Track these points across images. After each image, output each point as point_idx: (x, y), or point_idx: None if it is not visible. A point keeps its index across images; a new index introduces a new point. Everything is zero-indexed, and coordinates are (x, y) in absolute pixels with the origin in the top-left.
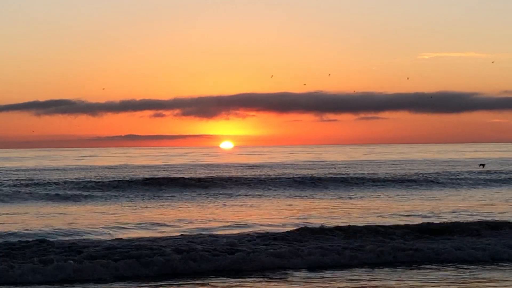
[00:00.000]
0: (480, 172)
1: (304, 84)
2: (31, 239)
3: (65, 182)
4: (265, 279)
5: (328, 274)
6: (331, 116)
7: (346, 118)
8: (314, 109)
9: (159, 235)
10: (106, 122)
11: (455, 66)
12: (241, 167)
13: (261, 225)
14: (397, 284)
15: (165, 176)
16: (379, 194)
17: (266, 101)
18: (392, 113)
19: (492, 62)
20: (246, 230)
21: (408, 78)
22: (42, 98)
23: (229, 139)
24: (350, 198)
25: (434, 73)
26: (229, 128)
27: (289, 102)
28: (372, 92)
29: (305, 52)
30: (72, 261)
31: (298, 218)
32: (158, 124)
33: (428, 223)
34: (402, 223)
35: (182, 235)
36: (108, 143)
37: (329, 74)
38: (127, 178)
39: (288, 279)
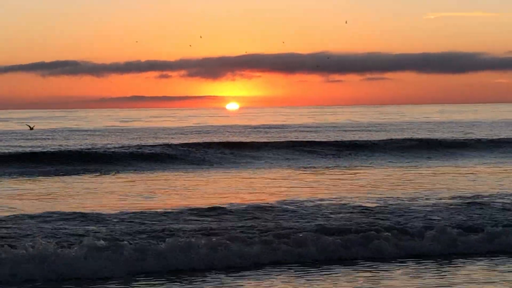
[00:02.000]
0: None
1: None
2: None
3: None
4: None
5: None
6: (336, 77)
7: (352, 78)
8: (321, 69)
9: None
10: (111, 83)
11: (461, 26)
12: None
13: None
14: None
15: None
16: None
17: (272, 62)
18: (397, 73)
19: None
20: None
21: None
22: (47, 59)
23: (235, 100)
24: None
25: (440, 33)
26: (235, 89)
27: (295, 63)
28: (378, 53)
29: (311, 13)
30: None
31: None
32: (164, 85)
33: None
34: None
35: None
36: (113, 104)
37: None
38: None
39: None
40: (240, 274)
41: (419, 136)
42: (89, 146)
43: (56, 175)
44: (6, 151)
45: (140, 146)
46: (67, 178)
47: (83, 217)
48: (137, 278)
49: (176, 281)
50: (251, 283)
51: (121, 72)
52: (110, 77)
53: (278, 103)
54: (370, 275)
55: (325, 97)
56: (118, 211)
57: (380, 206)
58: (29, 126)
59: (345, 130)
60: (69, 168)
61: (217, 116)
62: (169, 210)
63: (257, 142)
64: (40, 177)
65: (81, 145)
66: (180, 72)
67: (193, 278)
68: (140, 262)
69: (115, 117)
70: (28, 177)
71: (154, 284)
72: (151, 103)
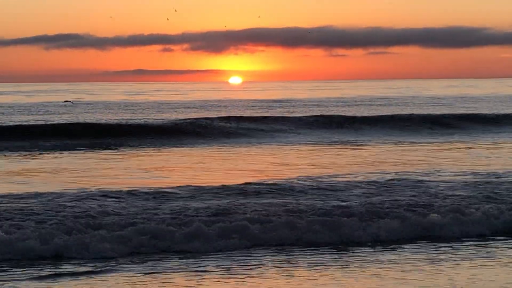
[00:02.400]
0: None
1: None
2: None
3: None
4: None
5: None
6: (340, 51)
7: (355, 53)
8: (324, 44)
9: None
10: (115, 56)
11: (465, 1)
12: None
13: None
14: None
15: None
16: None
17: (275, 36)
18: (401, 48)
19: None
20: None
21: None
22: (51, 32)
23: (238, 74)
24: None
25: (444, 7)
26: (238, 63)
27: (298, 37)
28: (382, 27)
29: None
30: None
31: None
32: (167, 59)
33: None
34: None
35: None
36: (117, 77)
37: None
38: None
39: None
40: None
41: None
42: (143, 120)
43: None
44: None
45: (169, 120)
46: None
47: (147, 193)
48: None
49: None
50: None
51: (124, 46)
52: (113, 50)
53: (281, 77)
54: None
55: (328, 72)
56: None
57: None
58: (68, 101)
59: (374, 104)
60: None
61: (231, 90)
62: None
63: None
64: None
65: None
66: (182, 46)
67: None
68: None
69: (130, 90)
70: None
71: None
72: (154, 77)
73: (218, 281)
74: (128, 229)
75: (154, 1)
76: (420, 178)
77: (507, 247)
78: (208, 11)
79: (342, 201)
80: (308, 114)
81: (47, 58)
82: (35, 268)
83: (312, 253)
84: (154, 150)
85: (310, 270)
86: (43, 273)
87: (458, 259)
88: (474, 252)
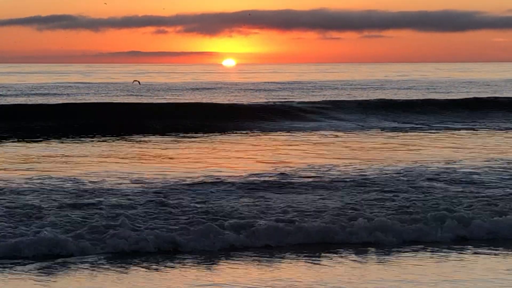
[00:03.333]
0: None
1: (105, 4)
2: None
3: None
4: None
5: None
6: (334, 34)
7: (350, 36)
8: (318, 26)
9: None
10: (109, 38)
11: None
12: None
13: None
14: None
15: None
16: None
17: (269, 19)
18: (396, 31)
19: None
20: None
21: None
22: (44, 13)
23: (232, 56)
24: None
25: None
26: (232, 45)
27: (293, 20)
28: (375, 10)
29: None
30: None
31: None
32: (161, 41)
33: None
34: None
35: None
36: (111, 59)
37: None
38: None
39: None
40: None
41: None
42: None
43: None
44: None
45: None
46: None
47: None
48: None
49: None
50: None
51: (118, 27)
52: (107, 31)
53: (275, 60)
54: None
55: (322, 55)
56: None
57: None
58: (137, 81)
59: (410, 88)
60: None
61: (238, 73)
62: None
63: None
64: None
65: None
66: (176, 28)
67: None
68: None
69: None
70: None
71: None
72: (148, 59)
73: None
74: None
75: None
76: None
77: None
78: None
79: None
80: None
81: (40, 39)
82: None
83: None
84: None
85: None
86: None
87: None
88: None
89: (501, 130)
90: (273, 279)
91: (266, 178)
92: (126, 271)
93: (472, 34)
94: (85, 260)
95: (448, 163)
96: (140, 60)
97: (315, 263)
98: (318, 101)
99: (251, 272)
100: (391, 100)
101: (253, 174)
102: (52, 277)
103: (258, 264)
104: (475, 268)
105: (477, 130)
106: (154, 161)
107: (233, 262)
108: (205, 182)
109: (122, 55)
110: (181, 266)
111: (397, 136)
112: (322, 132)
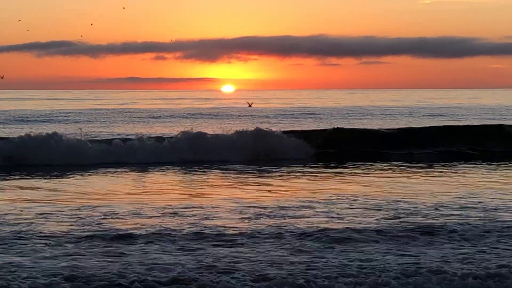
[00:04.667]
0: None
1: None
2: None
3: None
4: None
5: None
6: (333, 60)
7: (348, 62)
8: (317, 53)
9: None
10: (107, 64)
11: (457, 11)
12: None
13: None
14: None
15: None
16: None
17: (268, 45)
18: (394, 57)
19: None
20: None
21: None
22: (43, 39)
23: (231, 82)
24: None
25: (436, 17)
26: (231, 71)
27: (292, 46)
28: (374, 37)
29: None
30: None
31: None
32: (160, 67)
33: None
34: None
35: None
36: (110, 85)
37: None
38: None
39: None
40: None
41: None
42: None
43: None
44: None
45: None
46: None
47: None
48: None
49: None
50: None
51: (117, 53)
52: (106, 58)
53: (274, 86)
54: None
55: (321, 81)
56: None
57: None
58: (248, 103)
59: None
60: None
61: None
62: None
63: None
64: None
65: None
66: (175, 54)
67: None
68: None
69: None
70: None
71: None
72: (147, 85)
73: None
74: None
75: (147, 9)
76: None
77: None
78: (201, 20)
79: None
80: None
81: (39, 65)
82: None
83: None
84: None
85: None
86: None
87: None
88: None
89: None
90: None
91: None
92: None
93: (470, 60)
94: None
95: None
96: (139, 86)
97: None
98: None
99: None
100: None
101: None
102: None
103: None
104: None
105: None
106: None
107: None
108: None
109: (121, 81)
110: None
111: None
112: None
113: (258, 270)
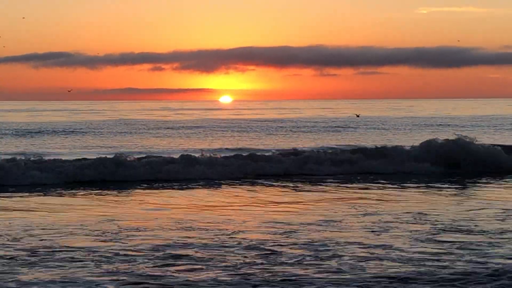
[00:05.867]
0: None
1: None
2: None
3: None
4: None
5: None
6: (331, 70)
7: (346, 72)
8: (315, 63)
9: None
10: (105, 75)
11: (454, 21)
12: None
13: None
14: None
15: None
16: None
17: (266, 55)
18: (391, 68)
19: None
20: None
21: None
22: (40, 51)
23: (228, 93)
24: None
25: (433, 28)
26: (228, 82)
27: (290, 56)
28: (371, 47)
29: (305, 5)
30: None
31: None
32: (157, 78)
33: None
34: None
35: None
36: (107, 96)
37: None
38: None
39: None
40: None
41: None
42: None
43: None
44: None
45: None
46: None
47: None
48: None
49: None
50: None
51: (114, 64)
52: (104, 69)
53: (272, 96)
54: None
55: (319, 91)
56: None
57: None
58: (356, 114)
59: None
60: None
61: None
62: None
63: None
64: None
65: None
66: (173, 65)
67: None
68: None
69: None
70: None
71: None
72: (144, 96)
73: None
74: None
75: (145, 20)
76: None
77: None
78: (198, 30)
79: None
80: None
81: (36, 76)
82: None
83: None
84: None
85: None
86: None
87: None
88: None
89: None
90: None
91: None
92: None
93: (468, 70)
94: None
95: None
96: (136, 97)
97: None
98: None
99: None
100: None
101: None
102: None
103: None
104: None
105: None
106: None
107: None
108: None
109: (118, 92)
110: None
111: None
112: None
113: None
